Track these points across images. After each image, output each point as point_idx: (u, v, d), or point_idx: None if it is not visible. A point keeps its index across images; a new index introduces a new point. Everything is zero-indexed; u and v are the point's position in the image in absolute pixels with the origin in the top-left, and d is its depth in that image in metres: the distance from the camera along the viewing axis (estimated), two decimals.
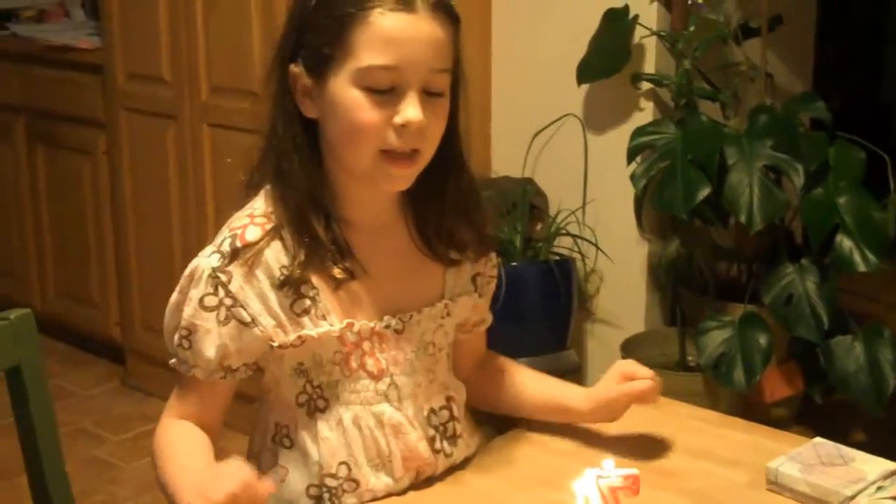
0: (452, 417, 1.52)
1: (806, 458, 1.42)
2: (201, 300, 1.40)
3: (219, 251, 1.41)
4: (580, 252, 3.21)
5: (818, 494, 1.36)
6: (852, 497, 1.32)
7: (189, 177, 3.43)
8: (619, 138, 3.03)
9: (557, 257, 3.17)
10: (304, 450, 1.45)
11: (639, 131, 2.92)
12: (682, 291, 3.13)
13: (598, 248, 3.20)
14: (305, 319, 1.41)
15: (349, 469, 1.44)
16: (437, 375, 1.52)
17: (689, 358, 3.10)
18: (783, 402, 3.04)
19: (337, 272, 1.41)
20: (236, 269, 1.39)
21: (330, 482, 1.44)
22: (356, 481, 1.44)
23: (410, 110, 1.36)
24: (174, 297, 1.43)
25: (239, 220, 1.44)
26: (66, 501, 1.49)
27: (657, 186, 2.86)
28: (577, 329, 3.25)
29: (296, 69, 1.42)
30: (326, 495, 1.44)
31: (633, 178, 2.90)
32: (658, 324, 3.27)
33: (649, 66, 3.05)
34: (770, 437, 1.58)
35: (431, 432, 1.49)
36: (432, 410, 1.50)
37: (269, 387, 1.49)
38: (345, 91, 1.37)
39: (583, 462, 1.48)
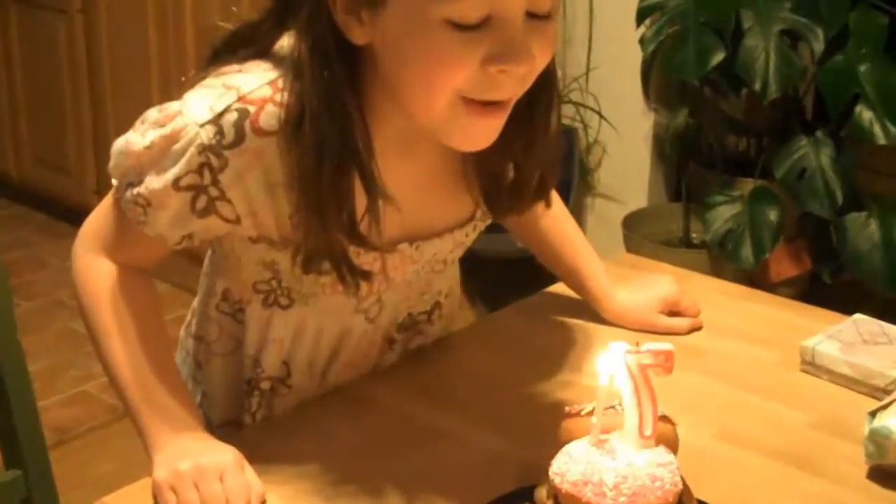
0: (429, 320, 1.30)
1: (846, 337, 1.28)
2: (177, 180, 1.05)
3: (217, 124, 1.03)
4: (582, 121, 3.09)
5: (860, 376, 1.23)
6: None
7: (169, 34, 3.28)
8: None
9: None
10: (247, 342, 1.23)
11: None
12: (689, 165, 3.01)
13: (601, 116, 3.06)
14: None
15: (288, 371, 1.24)
16: (433, 286, 1.28)
17: (693, 235, 3.02)
18: (789, 281, 2.94)
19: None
20: (235, 159, 1.04)
21: (265, 384, 1.24)
22: (289, 386, 1.24)
23: (516, 54, 0.98)
24: (136, 139, 1.08)
25: (253, 83, 1.05)
26: (26, 401, 1.35)
27: (667, 51, 2.72)
28: (576, 203, 3.14)
29: None
30: (256, 398, 1.25)
31: (641, 41, 2.77)
32: (661, 199, 3.18)
33: None
34: (802, 313, 1.44)
35: (395, 335, 1.28)
36: (409, 315, 1.28)
37: (222, 252, 1.21)
38: (418, 20, 0.96)
39: (594, 338, 1.36)
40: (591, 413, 0.95)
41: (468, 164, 1.16)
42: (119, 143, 1.10)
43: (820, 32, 2.67)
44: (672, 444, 0.97)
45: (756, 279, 2.86)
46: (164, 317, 1.19)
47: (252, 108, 1.03)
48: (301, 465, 1.10)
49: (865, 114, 2.64)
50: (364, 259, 1.11)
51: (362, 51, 1.02)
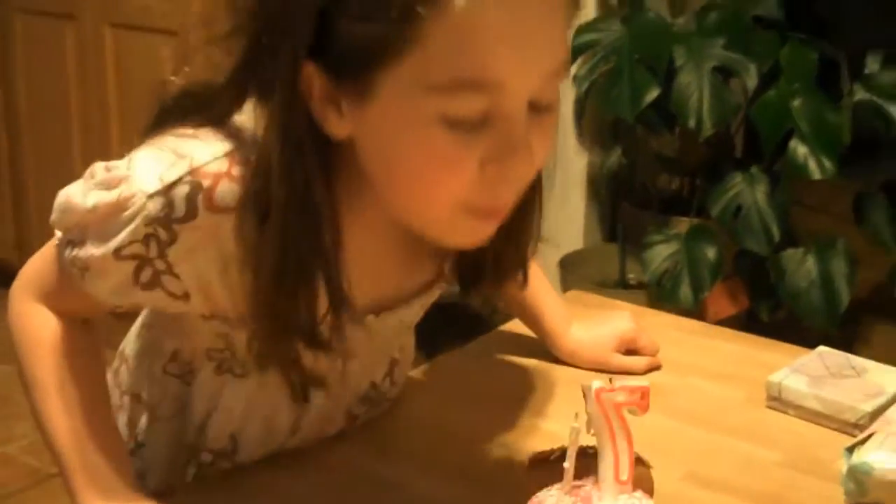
0: (391, 381, 1.21)
1: (812, 370, 1.23)
2: (119, 249, 0.94)
3: (166, 196, 0.91)
4: None
5: (831, 411, 1.17)
6: (873, 413, 1.13)
7: (91, 86, 3.18)
8: None
9: None
10: (192, 408, 1.12)
11: (582, 28, 2.72)
12: (623, 205, 2.96)
13: None
14: None
15: (235, 443, 1.12)
16: (395, 345, 1.19)
17: (630, 276, 2.97)
18: (725, 320, 2.90)
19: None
20: (186, 234, 0.93)
21: (206, 457, 1.12)
22: (234, 453, 1.13)
23: (515, 152, 0.88)
24: (78, 197, 0.96)
25: (208, 154, 0.93)
26: None
27: (602, 88, 2.68)
28: None
29: (314, 71, 0.88)
30: (193, 469, 1.13)
31: (575, 78, 2.72)
32: (597, 240, 3.12)
33: None
34: (762, 347, 1.40)
35: (356, 409, 1.18)
36: (372, 384, 1.18)
37: (171, 314, 1.08)
38: (410, 117, 0.86)
39: (551, 379, 1.30)
40: (561, 458, 0.88)
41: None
42: (61, 199, 0.98)
43: (752, 68, 2.66)
44: (648, 488, 0.91)
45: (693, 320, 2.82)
46: None
47: (206, 182, 0.92)
48: None
49: (800, 149, 2.62)
50: (321, 362, 1.02)
51: (339, 141, 0.92)
